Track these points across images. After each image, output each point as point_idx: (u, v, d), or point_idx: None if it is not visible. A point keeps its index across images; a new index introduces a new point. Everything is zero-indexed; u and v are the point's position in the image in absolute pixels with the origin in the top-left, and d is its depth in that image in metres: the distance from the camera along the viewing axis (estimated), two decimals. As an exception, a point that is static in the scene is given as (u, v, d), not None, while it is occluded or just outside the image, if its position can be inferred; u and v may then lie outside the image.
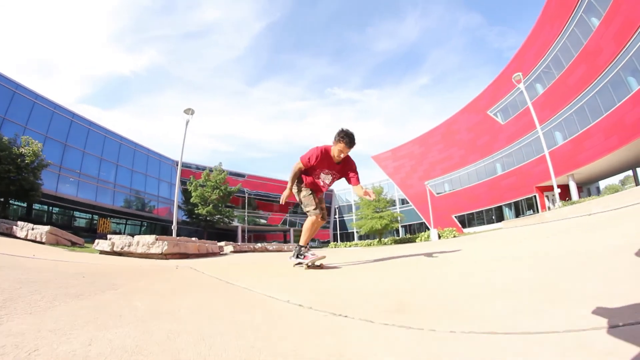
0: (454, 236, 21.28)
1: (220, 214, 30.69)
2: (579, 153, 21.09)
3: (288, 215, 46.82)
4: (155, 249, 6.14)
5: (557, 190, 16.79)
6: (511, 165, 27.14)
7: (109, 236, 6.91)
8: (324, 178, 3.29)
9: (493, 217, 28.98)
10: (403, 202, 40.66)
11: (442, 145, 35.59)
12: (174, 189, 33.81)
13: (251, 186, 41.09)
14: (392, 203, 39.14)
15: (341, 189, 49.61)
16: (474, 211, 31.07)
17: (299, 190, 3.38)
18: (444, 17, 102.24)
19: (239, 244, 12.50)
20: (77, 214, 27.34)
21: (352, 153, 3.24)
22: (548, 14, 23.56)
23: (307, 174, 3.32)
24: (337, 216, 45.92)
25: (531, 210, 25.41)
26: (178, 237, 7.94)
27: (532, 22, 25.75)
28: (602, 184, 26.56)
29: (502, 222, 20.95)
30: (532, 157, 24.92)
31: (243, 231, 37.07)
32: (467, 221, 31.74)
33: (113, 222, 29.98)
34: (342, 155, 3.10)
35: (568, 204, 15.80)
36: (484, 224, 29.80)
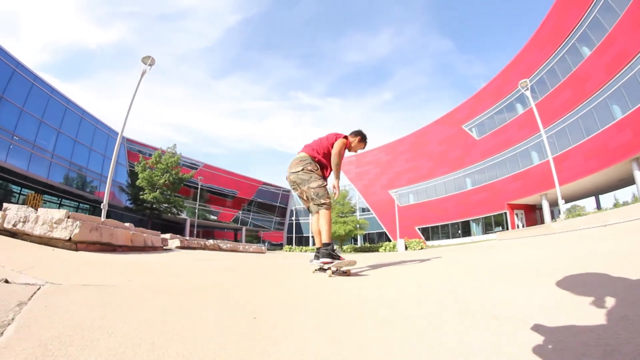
0: (421, 248, 19.94)
1: (169, 203, 26.78)
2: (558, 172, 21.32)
3: (240, 212, 41.51)
4: (61, 232, 3.53)
5: (561, 202, 15.62)
6: (482, 181, 26.99)
7: (4, 205, 4.04)
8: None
9: (459, 232, 28.34)
10: (363, 210, 38.44)
11: (410, 154, 34.72)
12: (121, 169, 29.44)
13: (206, 177, 35.80)
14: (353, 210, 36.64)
15: (298, 189, 45.39)
16: (439, 224, 30.19)
17: (311, 178, 2.89)
18: (417, 39, 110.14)
19: (187, 238, 10.21)
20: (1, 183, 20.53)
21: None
22: (538, 40, 24.37)
23: (326, 160, 3.07)
24: (293, 218, 41.81)
25: (500, 227, 25.23)
26: (104, 220, 4.84)
27: (503, 53, 26.63)
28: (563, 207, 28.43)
29: (497, 233, 19.54)
30: (506, 174, 24.97)
31: (192, 225, 32.27)
32: (430, 234, 30.71)
33: (47, 200, 23.22)
34: (353, 152, 3.32)
35: (573, 216, 14.91)
36: (448, 237, 29.00)
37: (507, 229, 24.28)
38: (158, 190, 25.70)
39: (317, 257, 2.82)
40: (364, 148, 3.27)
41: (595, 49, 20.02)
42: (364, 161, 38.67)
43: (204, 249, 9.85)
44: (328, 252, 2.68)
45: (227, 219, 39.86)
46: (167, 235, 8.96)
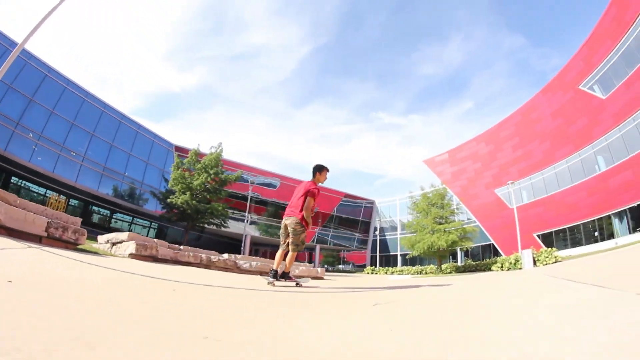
0: (556, 261, 13.26)
1: (206, 211, 20.40)
2: None
3: (318, 230, 36.67)
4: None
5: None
6: (623, 154, 18.17)
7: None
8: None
9: (595, 234, 19.63)
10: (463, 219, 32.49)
11: (518, 139, 27.27)
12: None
13: (282, 193, 33.59)
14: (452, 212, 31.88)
15: (384, 201, 41.73)
16: (565, 226, 21.91)
17: (302, 230, 4.05)
18: (488, 40, 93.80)
19: (180, 248, 7.84)
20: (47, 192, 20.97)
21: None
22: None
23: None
24: (377, 233, 35.98)
25: None
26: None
27: (576, 36, 17.47)
28: None
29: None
30: (659, 139, 16.02)
31: (255, 243, 30.01)
32: (555, 240, 22.60)
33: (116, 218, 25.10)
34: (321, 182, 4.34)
35: None
36: (580, 243, 20.55)
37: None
38: (188, 193, 19.93)
39: (275, 277, 3.92)
40: (326, 172, 4.31)
41: None
42: (458, 157, 32.76)
43: (195, 264, 6.84)
44: (286, 277, 4.08)
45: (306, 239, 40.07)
46: (111, 236, 6.60)
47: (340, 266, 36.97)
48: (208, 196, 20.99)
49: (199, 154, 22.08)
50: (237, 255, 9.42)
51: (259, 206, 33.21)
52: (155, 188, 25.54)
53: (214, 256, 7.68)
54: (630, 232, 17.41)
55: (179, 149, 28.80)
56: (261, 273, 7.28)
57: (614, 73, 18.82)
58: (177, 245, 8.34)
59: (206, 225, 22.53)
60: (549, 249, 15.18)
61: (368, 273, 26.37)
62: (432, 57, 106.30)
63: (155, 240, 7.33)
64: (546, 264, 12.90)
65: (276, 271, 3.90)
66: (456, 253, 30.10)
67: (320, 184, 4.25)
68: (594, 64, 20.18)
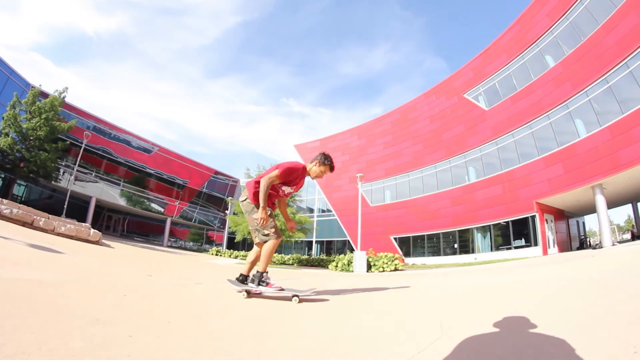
0: (395, 268, 11.74)
1: (33, 159, 18.43)
2: (620, 147, 12.29)
3: (188, 205, 32.20)
4: None
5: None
6: (496, 169, 17.79)
7: None
8: (285, 189, 3.08)
9: (455, 245, 18.78)
10: (324, 210, 28.71)
11: (391, 137, 25.47)
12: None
13: (159, 163, 30.14)
14: (307, 208, 27.05)
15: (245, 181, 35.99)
16: (424, 233, 20.63)
17: (253, 210, 2.95)
18: (411, 56, 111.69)
19: None
20: None
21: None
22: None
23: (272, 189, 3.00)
24: (228, 212, 31.05)
25: (521, 239, 15.84)
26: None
27: None
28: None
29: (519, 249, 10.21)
30: (534, 157, 15.89)
31: (101, 206, 24.99)
32: (412, 247, 21.10)
33: None
34: (318, 178, 3.13)
35: None
36: (438, 253, 19.41)
37: (535, 243, 14.92)
38: (11, 137, 18.14)
39: (243, 282, 2.99)
40: (330, 171, 3.17)
41: None
42: (329, 147, 29.05)
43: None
44: (257, 280, 2.88)
45: (174, 212, 30.56)
46: None
47: (206, 246, 32.72)
48: (46, 145, 19.24)
49: (40, 94, 20.21)
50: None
51: (129, 171, 28.00)
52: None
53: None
54: (492, 250, 16.73)
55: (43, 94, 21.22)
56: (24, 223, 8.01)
57: (503, 87, 18.62)
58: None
59: (42, 179, 20.71)
60: (393, 254, 12.38)
61: (213, 254, 22.28)
62: (356, 58, 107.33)
63: None
64: (383, 271, 11.39)
65: (245, 276, 3.03)
66: (312, 244, 25.63)
67: (310, 178, 3.18)
68: (485, 75, 19.83)
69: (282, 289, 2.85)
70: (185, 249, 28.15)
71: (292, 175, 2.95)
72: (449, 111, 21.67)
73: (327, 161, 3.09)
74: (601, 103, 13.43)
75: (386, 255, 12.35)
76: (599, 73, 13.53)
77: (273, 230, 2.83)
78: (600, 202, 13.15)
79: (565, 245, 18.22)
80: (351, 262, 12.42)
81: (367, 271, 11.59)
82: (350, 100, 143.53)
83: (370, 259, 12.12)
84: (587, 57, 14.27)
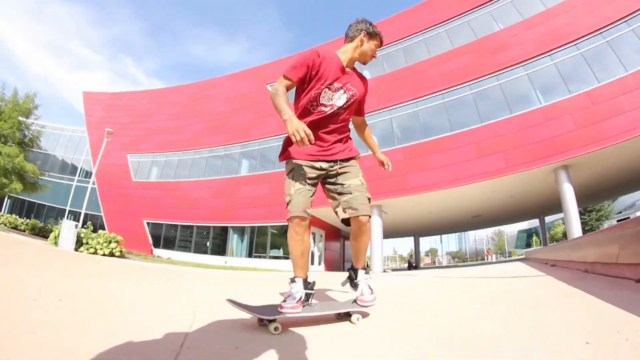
0: (112, 253, 9.17)
1: None
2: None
3: None
4: None
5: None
6: (270, 167, 16.82)
7: None
8: (333, 98, 1.55)
9: (208, 244, 16.65)
10: (89, 173, 22.08)
11: (180, 109, 21.58)
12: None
13: None
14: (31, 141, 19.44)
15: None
16: (178, 223, 17.74)
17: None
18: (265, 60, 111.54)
19: None
20: None
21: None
22: None
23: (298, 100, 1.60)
24: None
25: (280, 249, 15.20)
26: None
27: None
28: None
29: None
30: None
31: None
32: (163, 235, 17.92)
33: None
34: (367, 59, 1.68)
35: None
36: (189, 249, 16.85)
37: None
38: None
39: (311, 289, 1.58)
40: (381, 43, 1.70)
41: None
42: (116, 104, 22.76)
43: None
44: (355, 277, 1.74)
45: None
46: None
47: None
48: None
49: None
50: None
51: None
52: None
53: None
54: (247, 255, 15.38)
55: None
56: None
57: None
58: None
59: None
60: (113, 234, 9.81)
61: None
62: (212, 44, 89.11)
63: None
64: (95, 252, 9.04)
65: (307, 281, 1.57)
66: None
67: (360, 63, 1.69)
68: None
69: None
70: None
71: (306, 62, 1.49)
72: (248, 97, 19.87)
73: (372, 28, 1.65)
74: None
75: (105, 234, 9.64)
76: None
77: (287, 198, 1.55)
78: (377, 228, 12.36)
79: (336, 265, 19.27)
80: (57, 236, 9.46)
81: (77, 249, 9.05)
82: (189, 81, 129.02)
83: (83, 235, 9.39)
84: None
